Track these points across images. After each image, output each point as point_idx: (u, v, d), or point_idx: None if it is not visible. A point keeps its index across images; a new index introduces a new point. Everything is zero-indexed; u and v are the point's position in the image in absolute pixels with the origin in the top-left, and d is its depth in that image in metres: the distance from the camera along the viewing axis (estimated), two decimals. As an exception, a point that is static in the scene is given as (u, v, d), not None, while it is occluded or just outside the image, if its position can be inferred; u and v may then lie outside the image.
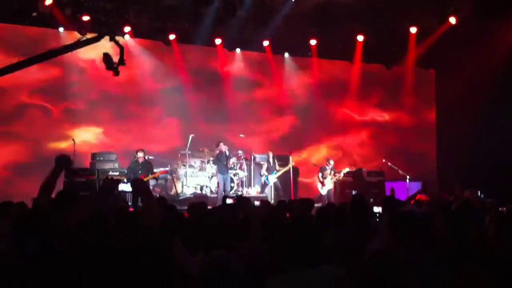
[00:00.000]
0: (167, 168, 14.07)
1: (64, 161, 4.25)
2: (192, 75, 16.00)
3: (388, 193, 13.45)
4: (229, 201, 5.16)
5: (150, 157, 13.67)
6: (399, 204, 6.84)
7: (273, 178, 14.89)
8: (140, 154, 12.65)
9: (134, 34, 14.58)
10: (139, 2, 13.98)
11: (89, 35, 8.59)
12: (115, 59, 7.96)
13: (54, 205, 4.13)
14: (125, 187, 10.64)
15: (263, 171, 15.00)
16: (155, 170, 13.32)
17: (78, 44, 8.20)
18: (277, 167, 14.99)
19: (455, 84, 16.23)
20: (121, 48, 8.04)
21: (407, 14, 14.68)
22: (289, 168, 14.87)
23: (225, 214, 4.60)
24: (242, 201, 4.51)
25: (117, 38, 7.75)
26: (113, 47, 8.43)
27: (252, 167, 15.38)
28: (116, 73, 7.96)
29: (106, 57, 7.96)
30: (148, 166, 12.76)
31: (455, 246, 4.09)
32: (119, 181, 3.50)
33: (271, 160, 15.05)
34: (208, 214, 5.12)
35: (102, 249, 2.74)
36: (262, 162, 15.26)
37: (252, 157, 15.37)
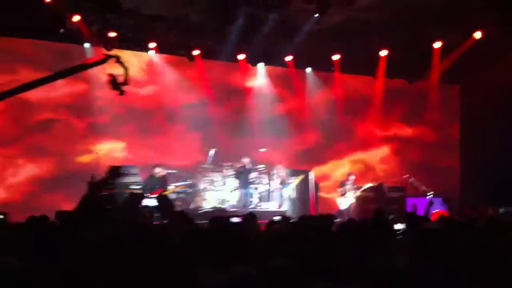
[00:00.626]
0: (187, 182, 14.14)
1: (115, 172, 4.32)
2: (215, 90, 16.12)
3: (409, 209, 13.31)
4: (235, 220, 5.14)
5: (172, 171, 13.77)
6: (421, 220, 6.80)
7: (287, 191, 14.88)
8: (158, 170, 12.72)
9: (159, 49, 14.78)
10: (165, 18, 14.19)
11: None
12: (121, 78, 8.30)
13: (80, 217, 4.17)
14: (149, 201, 10.72)
15: (276, 185, 15.02)
16: (176, 184, 13.41)
17: (87, 66, 8.56)
18: (289, 180, 14.93)
19: (480, 100, 16.05)
20: (126, 70, 8.43)
21: (431, 28, 14.61)
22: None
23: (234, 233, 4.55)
24: (250, 221, 4.47)
25: (126, 58, 8.15)
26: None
27: (274, 182, 15.35)
28: (121, 93, 8.29)
29: (111, 77, 8.28)
30: (164, 181, 12.80)
31: (479, 262, 4.03)
32: (143, 196, 3.52)
33: (283, 174, 15.03)
34: (229, 229, 5.13)
35: (128, 264, 2.77)
36: (276, 176, 15.25)
37: (274, 172, 15.35)
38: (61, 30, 13.32)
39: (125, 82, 8.20)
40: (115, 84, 8.18)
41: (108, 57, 8.57)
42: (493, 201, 12.00)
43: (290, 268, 3.01)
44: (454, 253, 4.09)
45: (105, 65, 8.71)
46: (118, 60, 8.49)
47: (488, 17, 13.67)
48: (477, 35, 14.27)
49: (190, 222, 5.98)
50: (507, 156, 15.04)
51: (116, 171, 4.32)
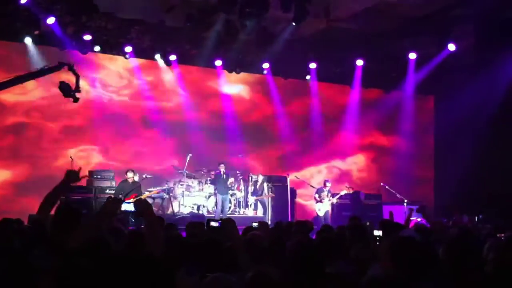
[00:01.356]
0: (163, 188, 14.07)
1: (73, 176, 4.25)
2: (191, 96, 16.12)
3: (385, 216, 13.42)
4: (214, 224, 5.11)
5: (148, 176, 13.67)
6: (397, 227, 6.84)
7: (252, 199, 15.08)
8: (130, 175, 12.56)
9: (135, 53, 14.67)
10: (141, 22, 14.08)
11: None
12: (73, 86, 8.37)
13: (55, 222, 4.07)
14: (128, 207, 10.61)
15: (253, 191, 15.10)
16: (151, 189, 13.32)
17: (41, 72, 8.61)
18: (265, 192, 14.95)
19: (454, 110, 16.29)
20: (77, 77, 8.50)
21: (406, 40, 14.82)
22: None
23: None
24: (227, 225, 4.41)
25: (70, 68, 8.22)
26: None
27: (249, 188, 15.38)
28: (75, 100, 8.35)
29: (63, 85, 8.32)
30: (137, 186, 12.69)
31: (454, 273, 4.07)
32: (121, 201, 3.44)
33: (258, 183, 15.08)
34: (206, 235, 5.09)
35: (106, 269, 2.71)
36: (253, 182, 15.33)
37: (250, 178, 15.38)
38: (36, 32, 13.11)
39: (77, 89, 8.27)
40: (66, 91, 8.23)
41: (61, 65, 8.63)
42: (467, 209, 12.17)
43: (271, 276, 2.99)
44: (429, 263, 4.11)
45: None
46: (71, 67, 8.57)
47: (463, 30, 13.91)
48: (451, 47, 14.48)
49: (170, 227, 5.94)
50: (481, 165, 15.31)
51: (74, 175, 4.26)
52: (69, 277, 2.52)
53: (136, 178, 12.85)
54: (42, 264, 2.98)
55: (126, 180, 12.63)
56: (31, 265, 3.08)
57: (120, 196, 11.87)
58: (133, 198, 11.77)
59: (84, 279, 2.55)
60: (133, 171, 12.70)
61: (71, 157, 13.50)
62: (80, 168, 4.31)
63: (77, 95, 8.37)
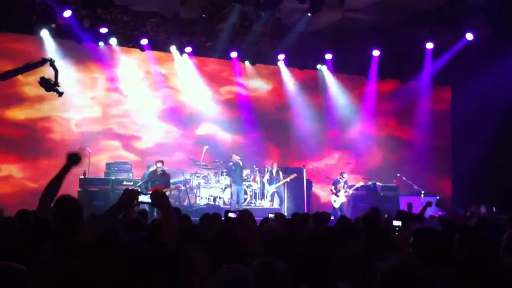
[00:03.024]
0: (181, 180, 14.12)
1: (74, 158, 4.24)
2: (207, 87, 16.12)
3: (402, 207, 13.35)
4: (232, 215, 5.12)
5: (165, 168, 13.74)
6: (414, 218, 6.79)
7: (271, 189, 14.95)
8: (159, 165, 12.67)
9: (151, 46, 14.69)
10: (156, 15, 14.11)
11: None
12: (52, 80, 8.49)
13: (55, 216, 3.95)
14: (145, 198, 10.65)
15: (268, 182, 15.09)
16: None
17: (26, 67, 8.77)
18: (281, 178, 14.92)
19: (471, 101, 16.06)
20: (56, 72, 8.64)
21: (423, 30, 14.64)
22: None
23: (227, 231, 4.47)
24: (245, 216, 4.38)
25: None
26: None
27: (264, 178, 15.38)
28: (59, 94, 8.50)
29: (43, 80, 8.44)
30: (166, 177, 12.77)
31: (472, 263, 4.03)
32: (139, 192, 3.42)
33: (274, 171, 15.04)
34: (222, 226, 5.08)
35: (117, 266, 2.69)
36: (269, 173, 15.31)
37: (266, 169, 15.38)
38: (52, 25, 13.19)
39: (56, 84, 8.41)
40: (47, 86, 8.37)
41: (44, 60, 8.79)
42: (485, 201, 12.05)
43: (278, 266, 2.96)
44: (449, 253, 4.08)
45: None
46: (52, 63, 8.72)
47: (479, 19, 13.68)
48: (469, 36, 14.26)
49: (185, 219, 5.95)
50: (498, 156, 15.12)
51: (75, 157, 4.26)
52: (71, 275, 2.50)
53: (165, 169, 12.91)
54: (47, 260, 2.96)
55: (155, 170, 12.72)
56: (37, 261, 3.06)
57: (137, 187, 11.96)
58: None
59: (87, 276, 2.52)
60: (162, 161, 12.78)
61: (89, 150, 13.57)
62: (80, 149, 4.28)
63: (60, 89, 8.52)
